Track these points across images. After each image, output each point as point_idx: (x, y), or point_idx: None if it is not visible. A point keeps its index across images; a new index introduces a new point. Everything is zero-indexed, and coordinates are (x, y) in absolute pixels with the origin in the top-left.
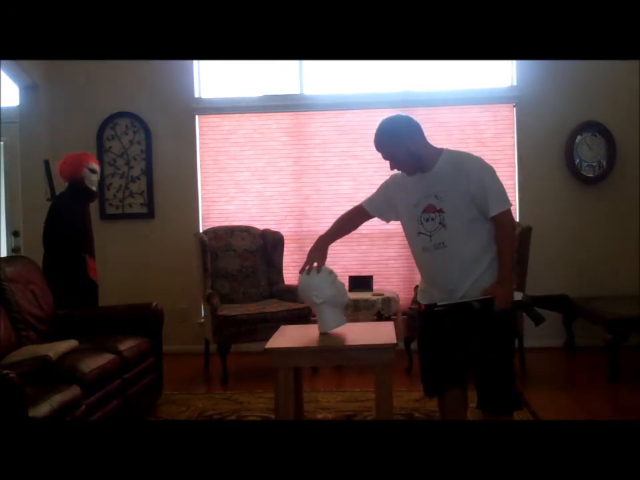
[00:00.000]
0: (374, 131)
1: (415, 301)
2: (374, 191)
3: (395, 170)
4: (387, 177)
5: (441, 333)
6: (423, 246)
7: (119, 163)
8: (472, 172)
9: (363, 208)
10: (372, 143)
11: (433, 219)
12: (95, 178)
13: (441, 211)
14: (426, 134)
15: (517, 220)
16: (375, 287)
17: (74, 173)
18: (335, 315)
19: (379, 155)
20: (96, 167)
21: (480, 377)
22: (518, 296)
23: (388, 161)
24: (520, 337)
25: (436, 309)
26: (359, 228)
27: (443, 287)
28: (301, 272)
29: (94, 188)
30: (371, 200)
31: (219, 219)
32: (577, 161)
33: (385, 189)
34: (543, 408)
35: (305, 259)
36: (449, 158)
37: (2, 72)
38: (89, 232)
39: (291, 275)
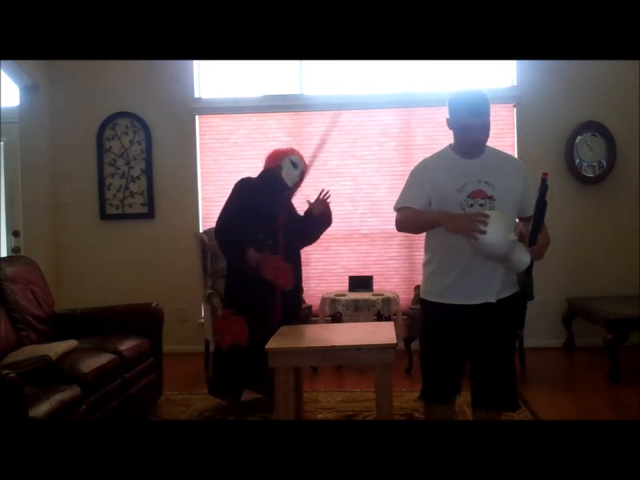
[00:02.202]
0: (374, 131)
1: (415, 301)
2: (373, 191)
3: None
4: (386, 177)
5: (461, 334)
6: None
7: (119, 163)
8: (523, 172)
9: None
10: (372, 143)
11: (481, 205)
12: (294, 173)
13: (491, 198)
14: (426, 134)
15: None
16: (375, 287)
17: (273, 160)
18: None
19: (379, 155)
20: (300, 162)
21: (485, 373)
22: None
23: (472, 133)
24: (520, 337)
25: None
26: (359, 228)
27: (479, 277)
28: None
29: (289, 182)
30: (413, 199)
31: None
32: (577, 161)
33: (421, 177)
34: (543, 408)
35: (306, 259)
36: (495, 152)
37: (2, 72)
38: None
39: None
